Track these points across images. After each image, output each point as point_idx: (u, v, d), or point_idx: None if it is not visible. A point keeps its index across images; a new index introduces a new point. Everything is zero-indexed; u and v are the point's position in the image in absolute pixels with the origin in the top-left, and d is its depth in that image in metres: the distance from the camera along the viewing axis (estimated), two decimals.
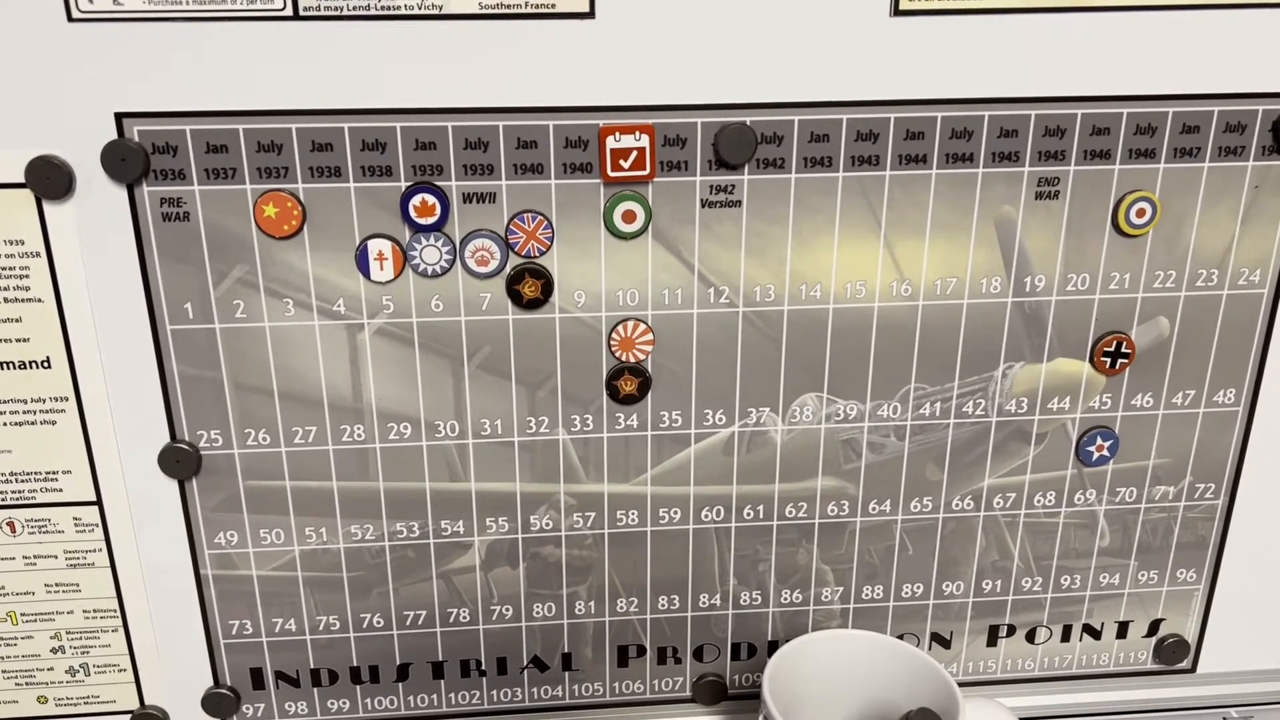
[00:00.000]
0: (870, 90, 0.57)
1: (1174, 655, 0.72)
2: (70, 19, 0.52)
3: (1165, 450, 0.66)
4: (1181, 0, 0.56)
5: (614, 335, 0.61)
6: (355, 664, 0.67)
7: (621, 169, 0.57)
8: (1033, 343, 0.63)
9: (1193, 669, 0.73)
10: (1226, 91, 0.59)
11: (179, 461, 0.60)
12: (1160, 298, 0.63)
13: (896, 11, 0.55)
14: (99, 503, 0.61)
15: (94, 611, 0.64)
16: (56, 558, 0.62)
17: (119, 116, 0.54)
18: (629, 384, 0.62)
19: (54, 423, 0.59)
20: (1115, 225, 0.61)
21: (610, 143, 0.56)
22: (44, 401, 0.59)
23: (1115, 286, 0.62)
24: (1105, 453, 0.66)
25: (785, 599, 0.68)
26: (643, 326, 0.61)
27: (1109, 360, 0.63)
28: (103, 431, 0.60)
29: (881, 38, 0.56)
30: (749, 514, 0.66)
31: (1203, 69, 0.58)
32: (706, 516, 0.65)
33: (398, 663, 0.67)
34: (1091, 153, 0.59)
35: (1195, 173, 0.60)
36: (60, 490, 0.61)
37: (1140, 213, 0.60)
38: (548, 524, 0.64)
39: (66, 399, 0.59)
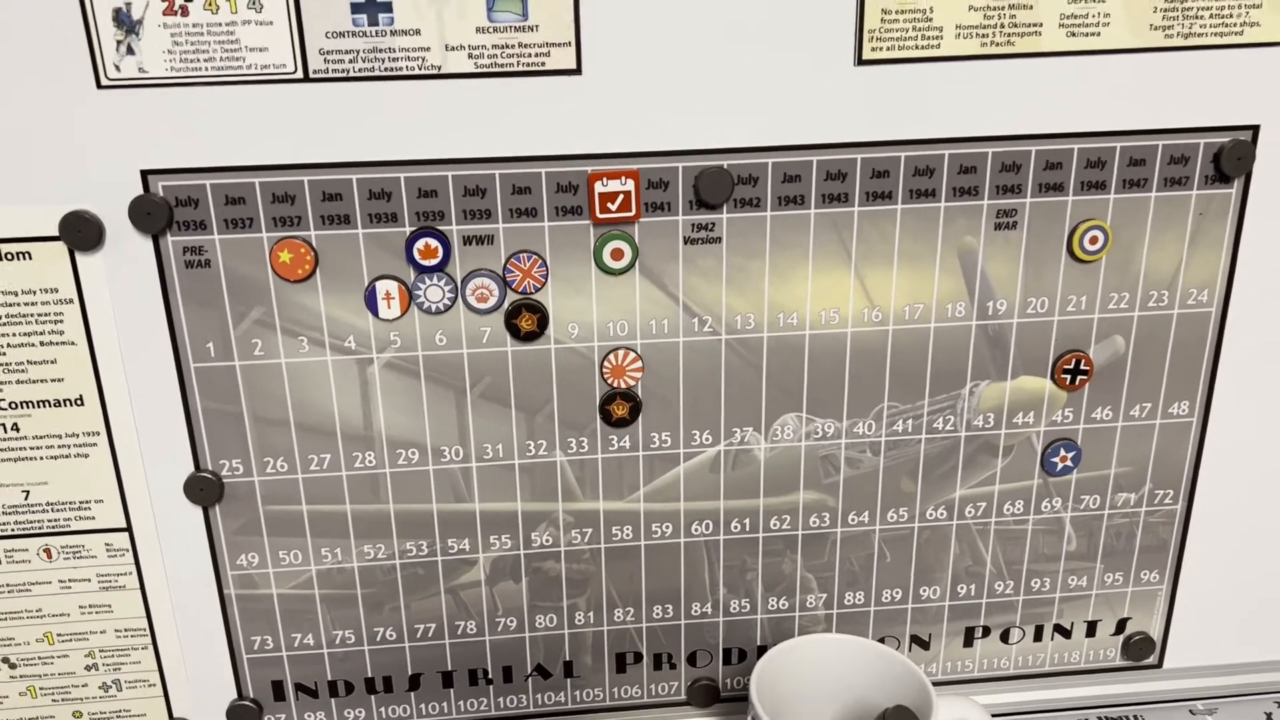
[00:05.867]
0: (838, 133, 0.61)
1: (1140, 652, 0.76)
2: (99, 86, 0.56)
3: (1125, 459, 0.71)
4: (1126, 45, 0.61)
5: (606, 363, 0.65)
6: (370, 675, 0.71)
7: (609, 211, 0.61)
8: (997, 362, 0.67)
9: (1159, 665, 0.77)
10: (1170, 127, 0.63)
11: (203, 490, 0.65)
12: (1115, 318, 0.67)
13: (860, 61, 0.60)
14: (129, 529, 0.66)
15: (125, 631, 0.68)
16: (90, 581, 0.67)
17: (144, 174, 0.58)
18: (621, 408, 0.66)
19: (86, 456, 0.64)
20: (1070, 252, 0.65)
21: (598, 187, 0.61)
22: (77, 436, 0.63)
23: (1072, 309, 0.67)
24: (1069, 463, 0.70)
25: (772, 606, 0.73)
26: (633, 355, 0.65)
27: (1069, 377, 0.68)
28: (132, 463, 0.64)
29: (846, 85, 0.60)
30: (736, 527, 0.70)
31: (1148, 107, 0.62)
32: (696, 530, 0.70)
33: (409, 673, 0.72)
34: (1046, 186, 0.64)
35: (1144, 202, 0.64)
36: (93, 518, 0.65)
37: (1093, 240, 0.65)
38: (548, 540, 0.69)
39: (98, 434, 0.63)
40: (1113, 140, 0.63)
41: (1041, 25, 0.60)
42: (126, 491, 0.65)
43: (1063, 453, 0.70)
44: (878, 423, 0.68)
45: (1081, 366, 0.68)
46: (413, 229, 0.61)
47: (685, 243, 0.63)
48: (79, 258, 0.59)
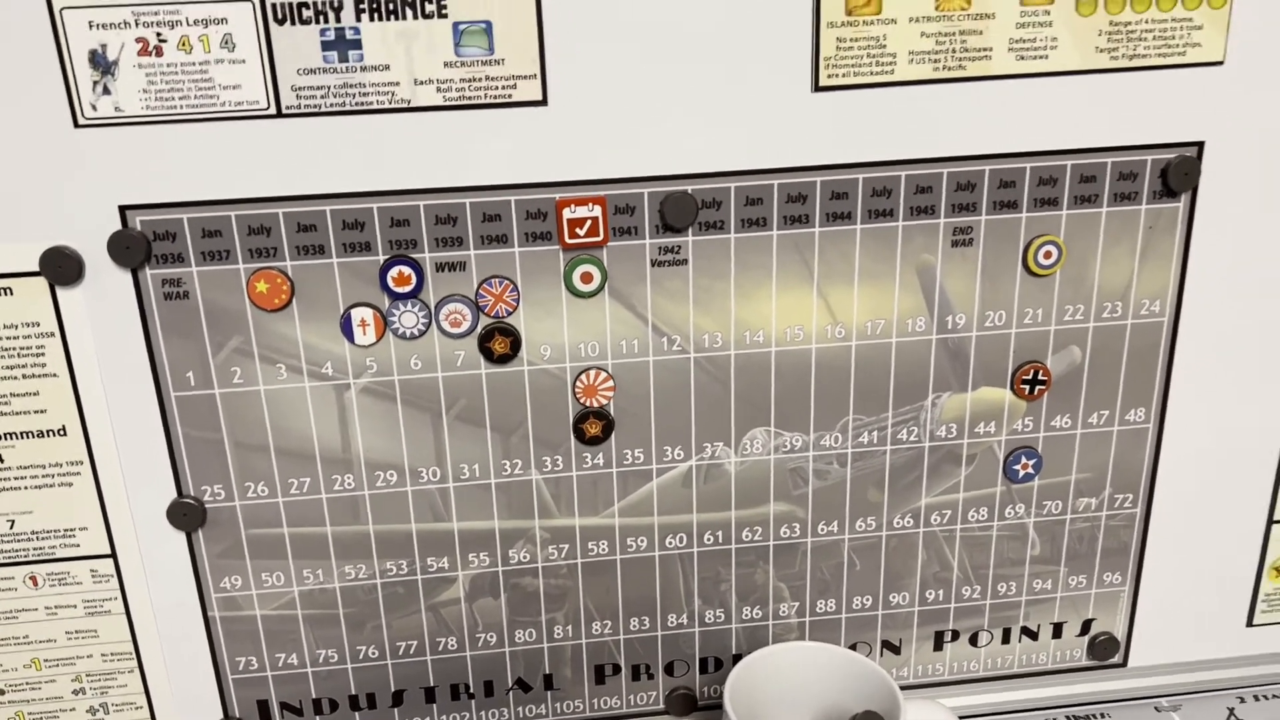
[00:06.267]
0: (797, 157, 0.63)
1: (1106, 652, 0.78)
2: (77, 125, 0.58)
3: (1085, 465, 0.73)
4: (1074, 67, 0.63)
5: (578, 383, 0.67)
6: (354, 692, 0.73)
7: (578, 236, 0.63)
8: (957, 374, 0.69)
9: (1124, 664, 0.79)
10: (1119, 145, 0.65)
11: (185, 515, 0.66)
12: (1071, 329, 0.69)
13: (817, 88, 0.62)
14: (113, 555, 0.67)
15: (111, 655, 0.69)
16: (76, 607, 0.68)
17: (122, 209, 0.60)
18: (594, 427, 0.68)
19: (70, 484, 0.65)
20: (1025, 267, 0.67)
21: (567, 214, 0.63)
22: (61, 466, 0.65)
23: (1029, 321, 0.69)
24: (1030, 470, 0.72)
25: (746, 615, 0.74)
26: (604, 375, 0.67)
27: (1028, 387, 0.70)
28: (115, 491, 0.65)
29: (805, 111, 0.62)
30: (709, 539, 0.72)
31: (1096, 126, 0.65)
32: (670, 544, 0.72)
33: (392, 690, 0.73)
34: (1000, 203, 0.66)
35: (1095, 217, 0.67)
36: (78, 545, 0.67)
37: (1047, 255, 0.67)
38: (525, 557, 0.70)
39: (81, 463, 0.65)
40: (1063, 158, 0.65)
41: (991, 49, 0.62)
42: (110, 518, 0.66)
43: (1024, 460, 0.72)
44: (844, 435, 0.70)
45: (1040, 377, 0.70)
46: (386, 258, 0.62)
47: (653, 265, 0.65)
48: (59, 292, 0.61)
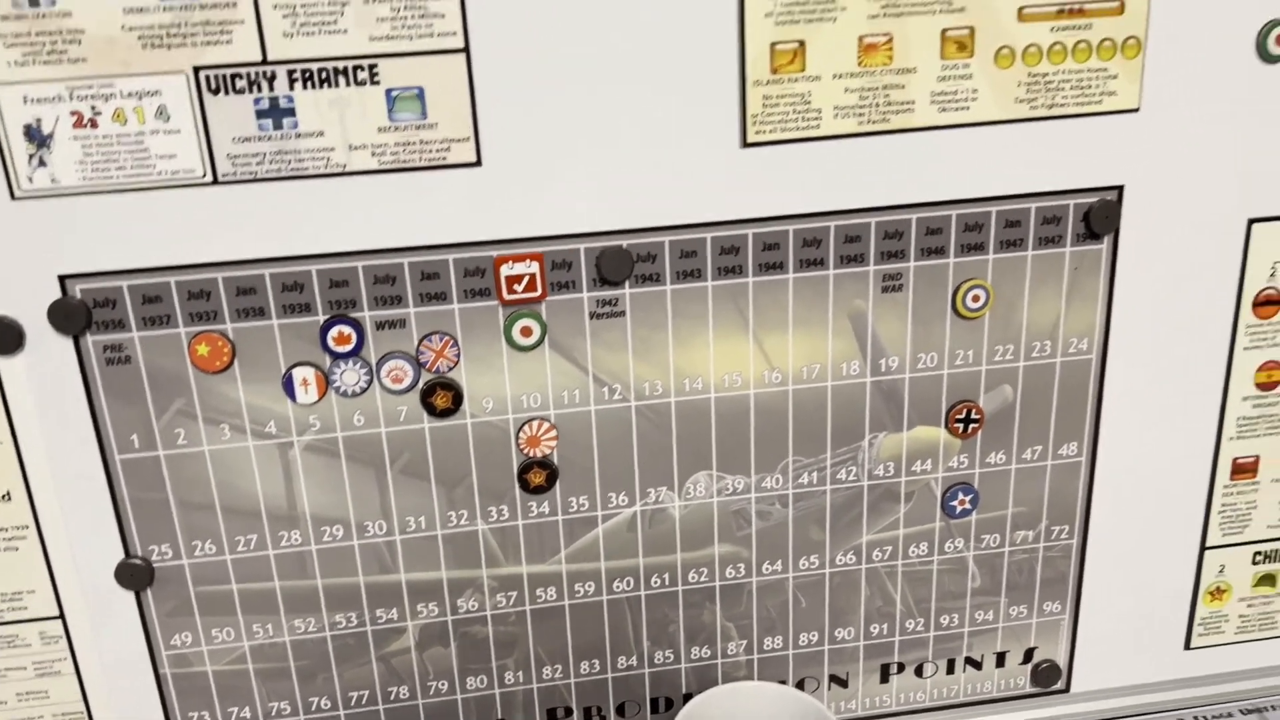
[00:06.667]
0: (729, 211, 0.65)
1: (1048, 678, 0.80)
2: (14, 197, 0.58)
3: (1021, 499, 0.75)
4: (995, 117, 0.65)
5: (521, 434, 0.68)
6: None
7: (516, 292, 0.64)
8: (893, 415, 0.71)
9: (1067, 689, 0.81)
10: (1041, 191, 0.67)
11: (133, 575, 0.67)
12: (1002, 369, 0.71)
13: (745, 144, 0.63)
14: (62, 617, 0.67)
15: (63, 715, 0.70)
16: (26, 669, 0.68)
17: (62, 278, 0.60)
18: (538, 476, 0.69)
19: (17, 549, 0.65)
20: (955, 310, 0.69)
21: (504, 270, 0.64)
22: (6, 530, 0.65)
23: (960, 362, 0.70)
24: (968, 506, 0.74)
25: (695, 655, 0.76)
26: (547, 425, 0.68)
27: (962, 425, 0.72)
28: (61, 553, 0.66)
29: (735, 166, 0.64)
30: (656, 582, 0.73)
31: (1019, 173, 0.67)
32: (618, 587, 0.73)
33: None
34: (928, 250, 0.67)
35: (1021, 261, 0.69)
36: (26, 608, 0.67)
37: (976, 298, 0.69)
38: (474, 605, 0.71)
39: (27, 527, 0.65)
40: (988, 205, 0.67)
41: (914, 102, 0.64)
42: (58, 580, 0.66)
43: (961, 496, 0.74)
44: (784, 477, 0.72)
45: (973, 415, 0.72)
46: (326, 318, 0.63)
47: (591, 317, 0.66)
48: (0, 360, 0.61)
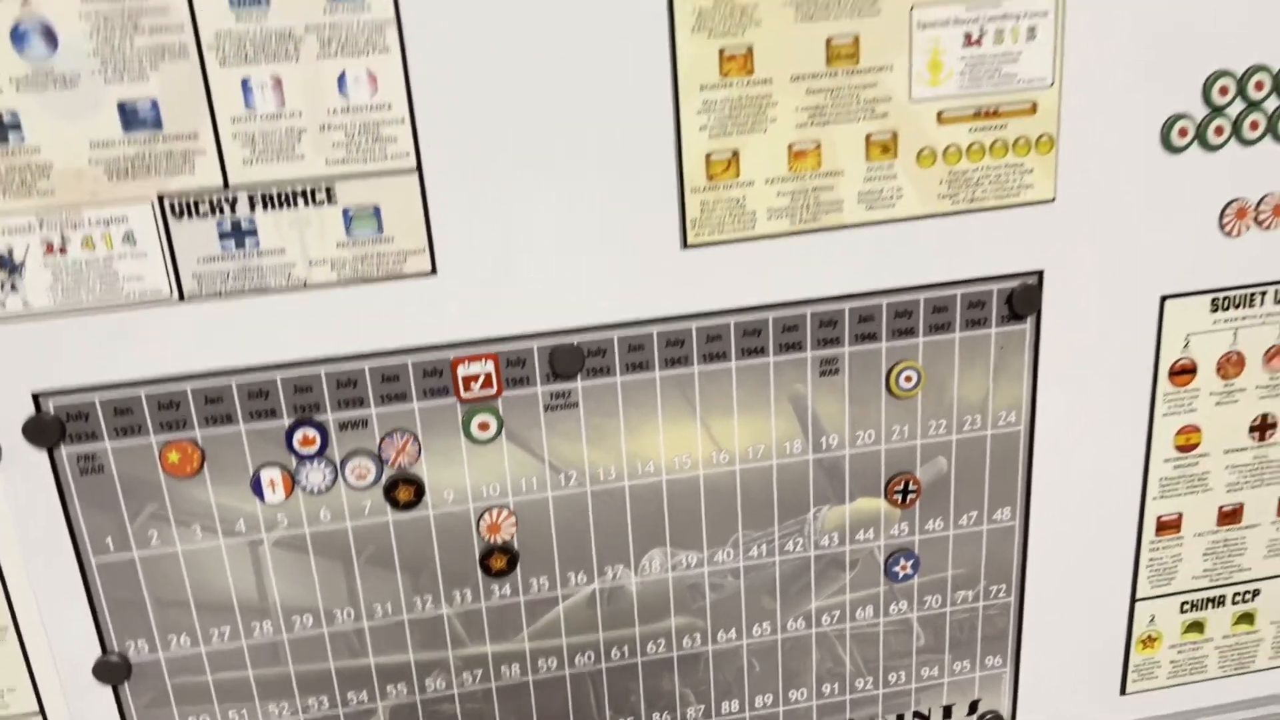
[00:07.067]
0: (673, 307, 0.69)
1: None
2: None
3: (960, 562, 0.79)
4: (919, 213, 0.69)
5: (482, 521, 0.71)
6: None
7: (473, 390, 0.68)
8: (835, 488, 0.75)
9: None
10: (966, 278, 0.71)
11: (111, 670, 0.69)
12: (936, 442, 0.75)
13: (686, 246, 0.67)
14: (42, 713, 0.70)
15: None
16: None
17: (36, 395, 0.63)
18: (499, 561, 0.72)
19: None
20: (889, 390, 0.73)
21: (461, 371, 0.67)
22: None
23: (897, 437, 0.74)
24: (910, 570, 0.78)
25: None
26: (506, 512, 0.71)
27: (900, 496, 0.76)
28: (40, 652, 0.68)
29: (677, 266, 0.68)
30: (616, 655, 0.76)
31: (945, 262, 0.71)
32: (580, 662, 0.76)
33: None
34: (861, 335, 0.72)
35: (949, 343, 0.73)
36: (7, 706, 0.69)
37: (908, 379, 0.73)
38: (441, 685, 0.74)
39: (6, 628, 0.67)
40: (917, 293, 0.71)
41: (842, 202, 0.68)
42: (37, 678, 0.69)
43: (903, 562, 0.78)
44: (735, 550, 0.75)
45: (910, 487, 0.76)
46: (291, 421, 0.66)
47: (546, 410, 0.69)
48: None
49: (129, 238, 0.61)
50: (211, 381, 0.65)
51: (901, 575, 0.78)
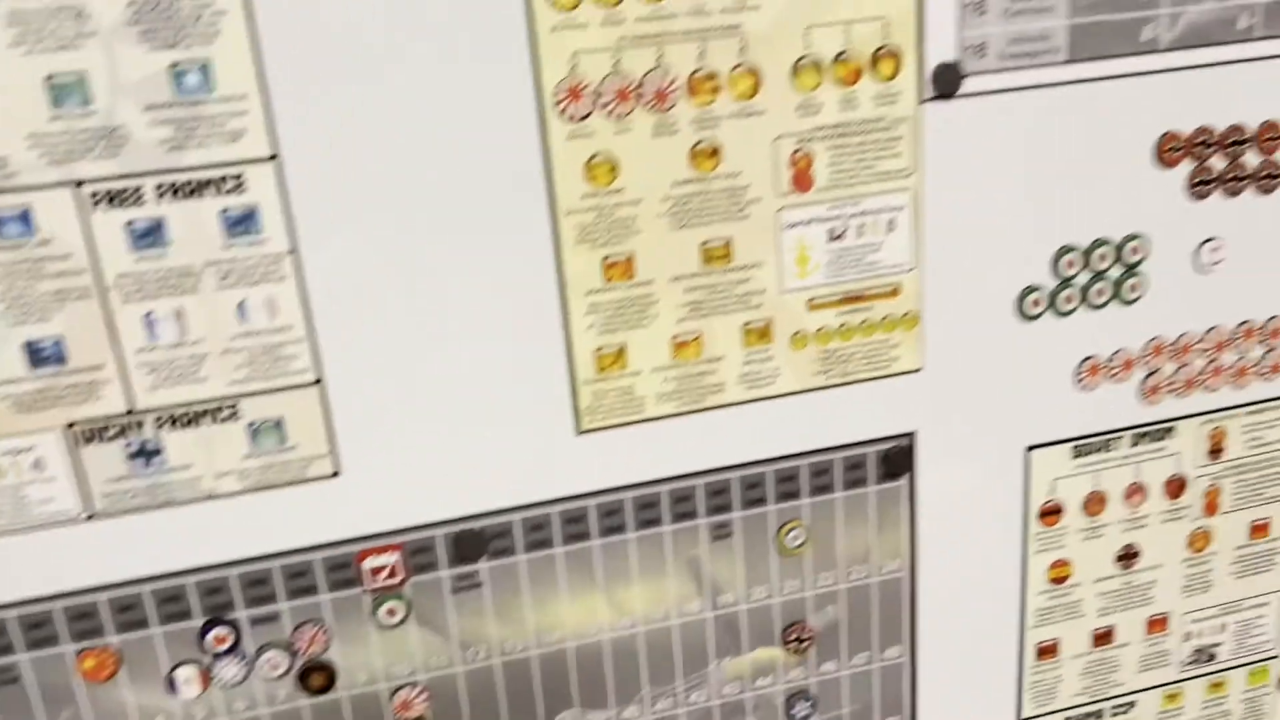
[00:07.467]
0: (571, 488, 0.72)
1: None
2: None
3: (856, 699, 0.83)
4: (796, 389, 0.74)
5: (395, 700, 0.74)
6: None
7: (379, 580, 0.71)
8: (733, 641, 0.79)
9: None
10: (844, 443, 0.77)
11: None
12: (826, 592, 0.80)
13: (580, 432, 0.71)
14: None
15: None
16: None
17: None
18: None
19: None
20: (779, 549, 0.78)
21: (367, 563, 0.70)
22: None
23: (789, 590, 0.79)
24: (808, 710, 0.82)
25: None
26: (418, 689, 0.74)
27: (796, 644, 0.80)
28: None
29: (573, 450, 0.72)
30: None
31: (823, 431, 0.76)
32: None
33: None
34: (750, 501, 0.76)
35: (831, 502, 0.78)
36: None
37: (796, 537, 0.78)
38: None
39: None
40: (799, 460, 0.76)
41: (724, 384, 0.73)
42: None
43: (802, 703, 0.82)
44: (642, 705, 0.79)
45: (804, 634, 0.80)
46: (204, 621, 0.69)
47: (452, 593, 0.73)
48: None
49: (38, 464, 0.63)
50: (124, 590, 0.67)
51: (800, 716, 0.82)
